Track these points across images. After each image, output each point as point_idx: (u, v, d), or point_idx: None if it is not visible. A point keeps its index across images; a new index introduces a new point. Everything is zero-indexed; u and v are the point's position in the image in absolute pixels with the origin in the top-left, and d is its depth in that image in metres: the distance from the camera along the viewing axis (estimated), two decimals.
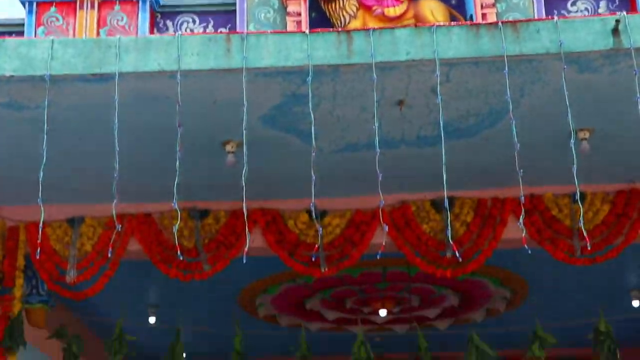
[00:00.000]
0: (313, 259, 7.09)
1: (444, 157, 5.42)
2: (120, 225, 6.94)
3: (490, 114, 5.99)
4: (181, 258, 6.98)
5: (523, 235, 6.77)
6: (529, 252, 6.57)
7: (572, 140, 5.35)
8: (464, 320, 10.53)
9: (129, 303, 9.02)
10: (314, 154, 5.86)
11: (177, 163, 5.64)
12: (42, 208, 6.13)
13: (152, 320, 9.80)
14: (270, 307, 10.38)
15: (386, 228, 6.76)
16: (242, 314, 10.01)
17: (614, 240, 7.10)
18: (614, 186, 7.19)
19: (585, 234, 6.51)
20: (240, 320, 8.78)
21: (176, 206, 6.21)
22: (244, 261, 6.26)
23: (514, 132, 4.91)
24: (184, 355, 8.48)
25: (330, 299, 10.17)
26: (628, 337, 10.11)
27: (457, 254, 6.68)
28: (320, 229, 6.98)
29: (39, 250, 6.79)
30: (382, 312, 10.00)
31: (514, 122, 4.85)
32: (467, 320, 10.40)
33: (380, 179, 5.95)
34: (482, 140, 6.49)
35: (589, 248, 6.80)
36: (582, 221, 6.66)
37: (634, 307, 9.54)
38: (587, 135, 6.18)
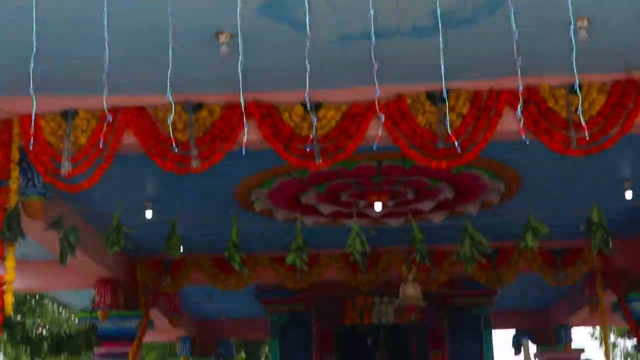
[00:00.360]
0: (307, 150, 7.11)
1: (441, 44, 5.34)
2: (112, 117, 6.93)
3: (488, 1, 5.93)
4: (176, 151, 7.01)
5: (521, 125, 6.81)
6: (527, 142, 6.60)
7: (571, 27, 5.27)
8: (458, 212, 10.58)
9: (126, 197, 9.06)
10: (308, 43, 5.79)
11: (170, 53, 5.58)
12: (34, 99, 6.08)
13: (148, 214, 9.84)
14: (266, 201, 10.42)
15: (382, 118, 6.75)
16: (238, 209, 10.06)
17: (609, 131, 7.07)
18: (611, 76, 7.12)
19: (583, 123, 6.53)
20: (237, 214, 8.84)
21: (170, 98, 6.19)
22: (243, 153, 6.30)
23: (512, 20, 4.83)
24: (182, 248, 8.54)
25: (325, 193, 10.20)
26: (621, 229, 10.20)
27: (456, 144, 6.71)
28: (315, 120, 7.00)
29: (32, 141, 6.80)
30: (377, 206, 10.03)
31: (512, 9, 4.75)
32: (462, 213, 10.44)
33: (375, 69, 5.92)
34: (480, 29, 6.44)
35: (587, 138, 6.82)
36: (580, 111, 6.66)
37: (627, 199, 9.58)
38: (585, 24, 6.12)
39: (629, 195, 9.60)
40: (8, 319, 8.11)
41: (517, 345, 18.14)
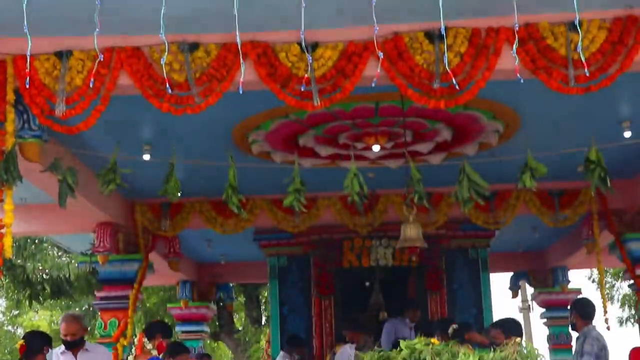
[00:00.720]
0: (303, 89, 7.08)
1: None
2: (104, 56, 6.90)
3: None
4: (170, 92, 6.98)
5: (516, 64, 6.76)
6: (522, 81, 6.58)
7: None
8: (456, 154, 10.58)
9: (123, 140, 9.01)
10: None
11: None
12: (29, 39, 6.06)
13: (146, 157, 9.83)
14: (263, 143, 10.41)
15: (381, 55, 6.70)
16: (236, 152, 10.03)
17: (608, 69, 7.04)
18: (611, 12, 7.07)
19: (583, 60, 6.49)
20: (234, 155, 8.80)
21: (164, 38, 6.16)
22: (240, 92, 6.29)
23: None
24: (180, 192, 8.53)
25: (323, 135, 10.17)
26: (619, 170, 10.19)
27: (455, 82, 6.68)
28: (311, 59, 6.95)
29: (27, 80, 6.77)
30: (375, 147, 10.03)
31: None
32: (460, 154, 10.43)
33: (374, 5, 5.88)
34: None
35: (587, 74, 6.79)
36: (580, 48, 6.62)
37: (625, 137, 9.58)
38: None
39: (627, 134, 9.60)
40: (9, 262, 8.12)
41: (514, 286, 18.29)
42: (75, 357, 9.22)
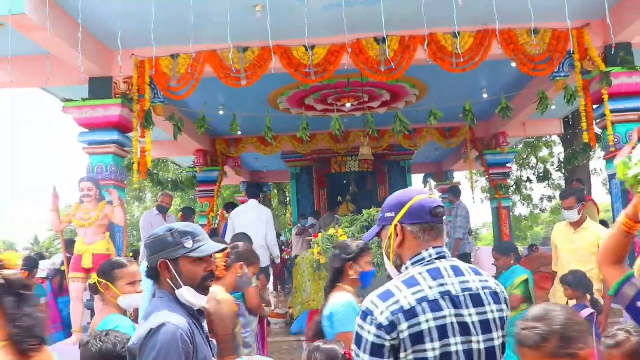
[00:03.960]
0: (307, 71, 7.14)
1: (382, 6, 5.30)
2: (197, 56, 6.90)
3: None
4: (232, 75, 7.02)
5: (427, 55, 6.77)
6: (430, 63, 6.60)
7: (456, 3, 5.20)
8: (393, 107, 10.63)
9: (209, 103, 9.03)
10: (306, 9, 5.72)
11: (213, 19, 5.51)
12: (154, 49, 6.09)
13: (221, 112, 9.87)
14: (285, 104, 10.45)
15: (350, 51, 6.75)
16: (270, 108, 10.10)
17: (475, 59, 7.10)
18: (475, 27, 7.10)
19: (461, 53, 6.53)
20: (269, 110, 8.85)
21: (231, 44, 6.18)
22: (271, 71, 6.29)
23: None
24: (239, 131, 8.57)
25: (319, 98, 10.22)
26: (480, 115, 10.26)
27: (393, 65, 6.72)
28: (311, 54, 6.98)
29: (154, 71, 6.82)
30: (348, 105, 10.09)
31: None
32: (395, 108, 10.49)
33: (345, 20, 5.88)
34: None
35: (463, 61, 6.88)
36: (459, 47, 6.66)
37: (483, 97, 9.62)
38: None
39: (485, 96, 9.65)
40: (150, 171, 8.25)
41: (425, 181, 18.41)
42: (165, 219, 9.20)
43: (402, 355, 1.83)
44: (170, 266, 2.25)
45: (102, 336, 2.68)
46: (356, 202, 13.32)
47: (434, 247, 2.03)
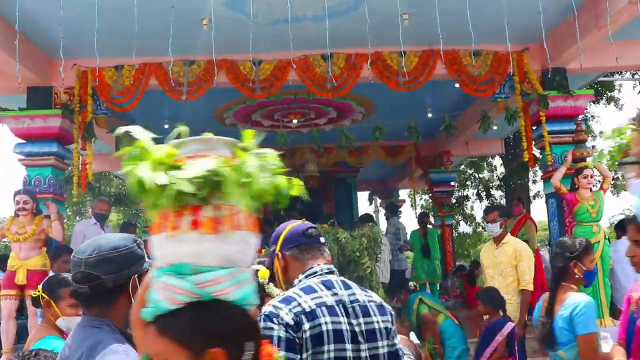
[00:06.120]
0: (252, 86, 7.14)
1: (327, 27, 5.35)
2: (140, 68, 6.83)
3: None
4: (177, 88, 6.97)
5: (369, 73, 6.88)
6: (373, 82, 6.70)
7: (400, 19, 5.28)
8: (339, 125, 10.67)
9: (154, 114, 8.86)
10: (252, 24, 5.74)
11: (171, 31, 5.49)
12: (97, 59, 5.99)
13: (166, 126, 9.71)
14: (232, 119, 10.38)
15: (294, 67, 6.79)
16: (216, 123, 10.03)
17: (419, 78, 7.24)
18: (420, 47, 7.24)
19: (406, 72, 6.67)
20: (215, 124, 8.78)
21: (171, 58, 6.13)
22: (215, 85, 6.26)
23: (367, 16, 4.87)
24: None
25: (265, 114, 10.19)
26: (425, 133, 10.41)
27: (336, 84, 6.79)
28: (257, 69, 6.99)
29: (97, 81, 6.70)
30: (294, 121, 10.10)
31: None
32: (341, 125, 10.54)
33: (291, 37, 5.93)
34: (355, 16, 6.48)
35: (408, 80, 7.02)
36: (404, 66, 6.80)
37: (428, 116, 9.77)
38: (406, 18, 6.21)
39: (430, 115, 9.80)
40: (90, 184, 8.00)
41: (370, 199, 18.47)
42: (102, 229, 7.97)
43: (303, 356, 1.93)
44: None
45: (30, 356, 2.54)
46: (302, 218, 13.21)
47: (321, 264, 2.20)
